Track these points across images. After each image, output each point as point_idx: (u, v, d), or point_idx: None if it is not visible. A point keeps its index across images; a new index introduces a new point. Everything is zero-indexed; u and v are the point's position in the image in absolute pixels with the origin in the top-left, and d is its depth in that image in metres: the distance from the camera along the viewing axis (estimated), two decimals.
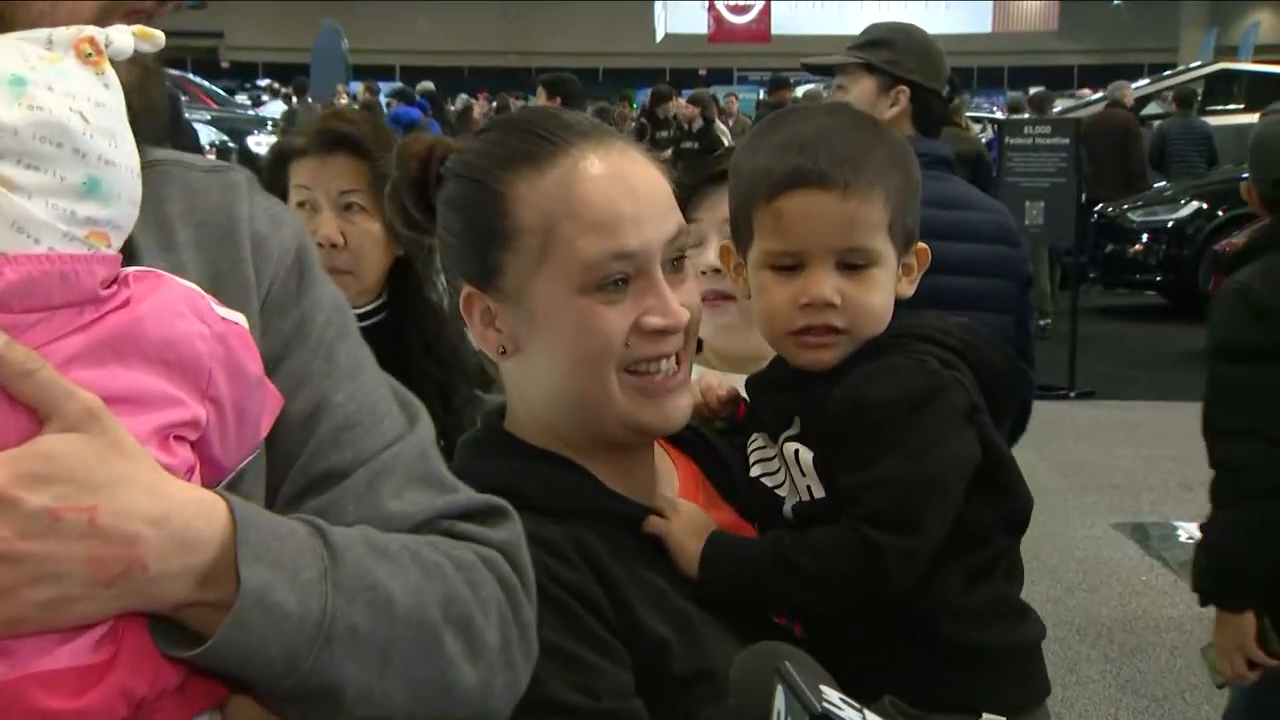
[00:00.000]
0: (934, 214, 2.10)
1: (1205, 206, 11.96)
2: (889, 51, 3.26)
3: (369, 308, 2.39)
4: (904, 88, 3.24)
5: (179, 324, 0.98)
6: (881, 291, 1.47)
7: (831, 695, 1.07)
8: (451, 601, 1.06)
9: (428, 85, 15.97)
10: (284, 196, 2.36)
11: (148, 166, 1.03)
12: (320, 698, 0.99)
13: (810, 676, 1.09)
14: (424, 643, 1.04)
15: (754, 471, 1.53)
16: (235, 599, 0.94)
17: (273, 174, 2.43)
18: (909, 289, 1.53)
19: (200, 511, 0.96)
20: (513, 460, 1.43)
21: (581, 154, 1.39)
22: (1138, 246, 11.93)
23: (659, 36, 34.19)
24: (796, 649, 1.25)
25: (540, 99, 9.87)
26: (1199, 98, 15.01)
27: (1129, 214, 12.14)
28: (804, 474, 1.46)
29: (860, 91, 3.23)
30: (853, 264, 1.46)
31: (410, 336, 2.32)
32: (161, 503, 0.94)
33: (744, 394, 1.62)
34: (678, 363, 1.41)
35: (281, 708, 1.01)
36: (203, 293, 1.02)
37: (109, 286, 0.97)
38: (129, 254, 1.01)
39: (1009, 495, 1.47)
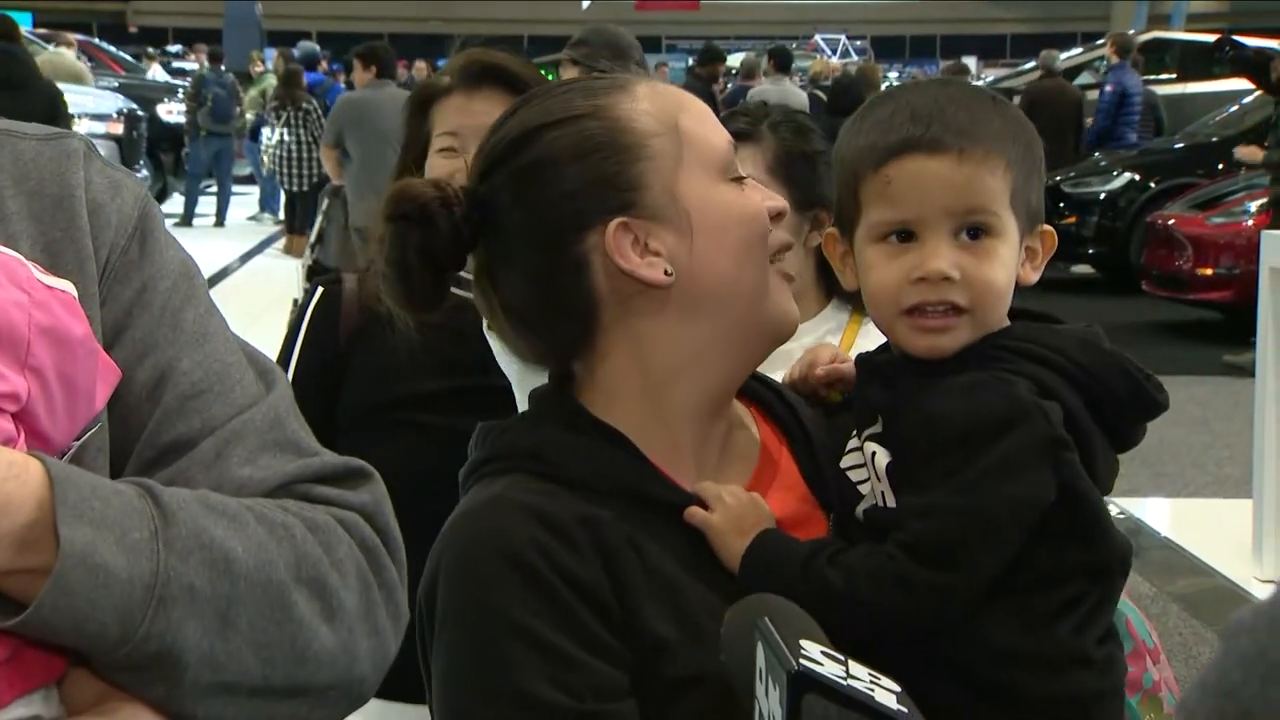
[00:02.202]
0: None
1: (1138, 178, 11.83)
2: (586, 48, 4.09)
3: None
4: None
5: None
6: (1005, 269, 1.36)
7: (812, 650, 1.02)
8: (302, 562, 1.02)
9: (310, 46, 15.51)
10: (425, 148, 2.22)
11: None
12: (161, 663, 0.96)
13: (791, 631, 1.05)
14: (271, 603, 1.00)
15: (844, 461, 1.42)
16: (56, 562, 0.91)
17: (413, 122, 2.26)
18: (1033, 275, 1.42)
19: (11, 473, 0.92)
20: (563, 430, 1.37)
21: (644, 78, 1.44)
22: (1070, 219, 11.73)
23: (585, 3, 33.69)
24: (783, 600, 1.18)
25: (357, 72, 9.65)
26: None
27: (1061, 186, 11.96)
28: (879, 478, 1.37)
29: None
30: (973, 232, 1.35)
31: None
32: None
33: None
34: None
35: (120, 678, 0.97)
36: (24, 260, 0.99)
37: None
38: None
39: (1088, 542, 1.34)
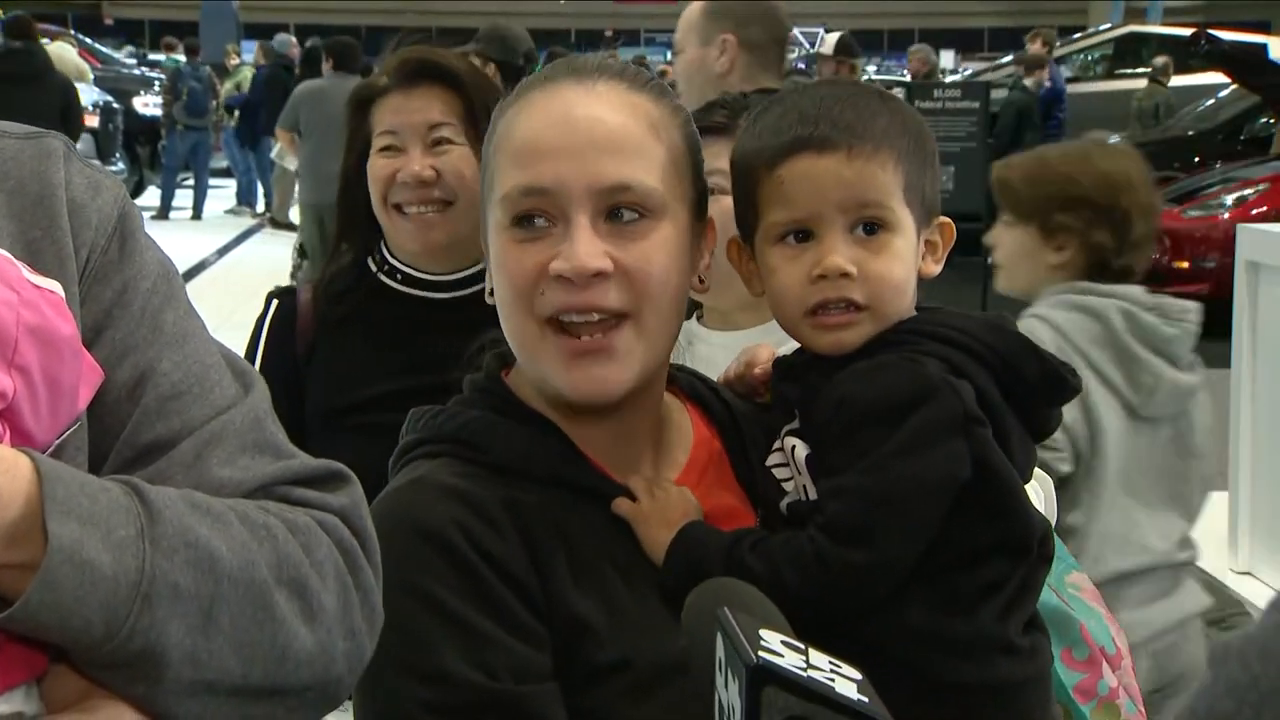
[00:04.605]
0: None
1: None
2: (479, 45, 4.65)
3: (471, 271, 2.17)
4: (491, 64, 4.43)
5: None
6: (901, 262, 1.38)
7: (772, 640, 1.00)
8: (283, 563, 1.03)
9: (288, 39, 15.35)
10: (367, 148, 2.22)
11: None
12: (144, 661, 0.95)
13: (751, 621, 1.03)
14: (253, 603, 1.00)
15: (770, 460, 1.43)
16: (44, 557, 0.91)
17: (353, 123, 2.20)
18: (935, 268, 1.44)
19: (1, 469, 0.92)
20: (490, 413, 1.37)
21: (550, 86, 1.35)
22: None
23: None
24: (743, 585, 1.17)
25: (324, 68, 9.77)
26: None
27: None
28: (800, 471, 1.38)
29: None
30: (868, 228, 1.37)
31: None
32: None
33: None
34: (614, 324, 1.31)
35: (103, 675, 0.97)
36: (13, 259, 1.00)
37: None
38: None
39: (1005, 519, 1.35)
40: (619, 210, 1.31)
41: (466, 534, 1.25)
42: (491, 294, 1.40)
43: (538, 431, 1.36)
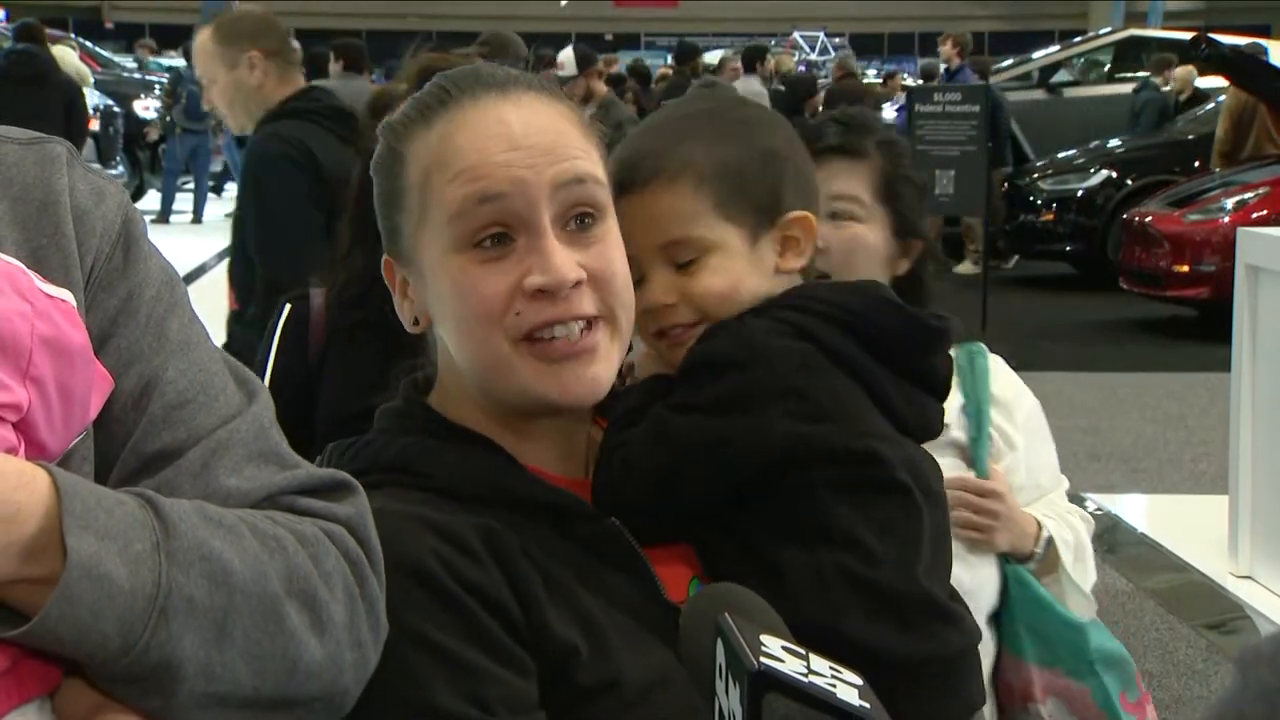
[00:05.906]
0: None
1: (1114, 175, 11.86)
2: (483, 48, 4.68)
3: None
4: None
5: None
6: (723, 275, 1.42)
7: (773, 646, 1.00)
8: (293, 575, 1.03)
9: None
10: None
11: None
12: (159, 675, 0.96)
13: (751, 627, 1.02)
14: (265, 615, 1.01)
15: None
16: (63, 572, 0.91)
17: (371, 130, 2.13)
18: (794, 262, 1.46)
19: (20, 483, 0.92)
20: (427, 438, 1.34)
21: (472, 103, 1.31)
22: (1048, 215, 11.76)
23: (563, 1, 33.63)
24: (744, 591, 1.16)
25: (331, 64, 9.82)
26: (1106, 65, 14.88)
27: (1039, 183, 11.98)
28: None
29: None
30: (684, 255, 1.42)
31: None
32: None
33: None
34: (589, 327, 1.30)
35: (117, 689, 0.97)
36: (25, 269, 1.00)
37: None
38: None
39: (840, 463, 1.35)
40: (575, 215, 1.30)
41: (446, 565, 1.22)
42: (416, 323, 1.37)
43: (476, 449, 1.33)
